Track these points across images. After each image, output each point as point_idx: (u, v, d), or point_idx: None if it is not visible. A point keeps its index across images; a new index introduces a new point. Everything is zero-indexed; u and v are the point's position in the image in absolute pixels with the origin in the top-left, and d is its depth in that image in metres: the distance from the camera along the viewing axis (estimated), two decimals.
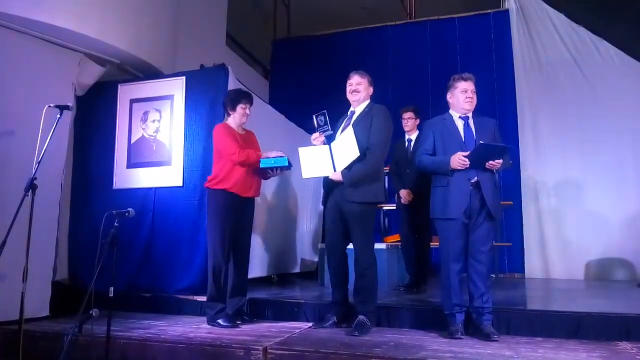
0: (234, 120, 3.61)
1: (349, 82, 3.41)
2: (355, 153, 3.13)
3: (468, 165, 2.97)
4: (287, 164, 3.43)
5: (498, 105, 6.57)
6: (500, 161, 2.96)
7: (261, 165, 3.46)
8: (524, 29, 6.71)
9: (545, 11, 6.65)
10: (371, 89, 3.43)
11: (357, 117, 3.35)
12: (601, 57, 6.30)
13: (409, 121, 4.54)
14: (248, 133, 3.72)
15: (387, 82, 7.20)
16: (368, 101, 3.40)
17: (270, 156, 3.48)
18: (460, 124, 3.15)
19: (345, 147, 3.19)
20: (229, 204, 3.42)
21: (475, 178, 3.00)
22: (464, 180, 3.01)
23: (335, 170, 3.24)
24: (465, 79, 3.16)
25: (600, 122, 6.07)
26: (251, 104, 3.65)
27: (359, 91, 3.36)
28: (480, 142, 2.95)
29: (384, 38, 7.53)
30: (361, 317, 3.16)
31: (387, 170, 4.62)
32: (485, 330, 2.94)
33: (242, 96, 3.62)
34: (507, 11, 6.87)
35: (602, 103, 6.12)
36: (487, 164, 2.96)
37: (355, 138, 3.14)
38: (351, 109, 3.43)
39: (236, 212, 3.46)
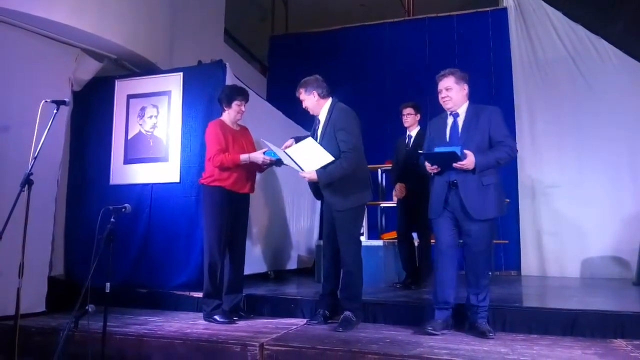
0: (228, 116, 3.60)
1: None
2: (327, 158, 3.11)
3: (436, 170, 2.99)
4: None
5: (495, 103, 6.47)
6: (464, 163, 2.85)
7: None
8: (522, 27, 6.72)
9: (543, 9, 6.65)
10: (315, 93, 3.31)
11: (322, 125, 3.33)
12: (599, 55, 6.31)
13: (409, 117, 4.54)
14: (242, 129, 3.71)
15: (385, 79, 7.23)
16: (328, 103, 3.34)
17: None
18: (450, 122, 3.12)
19: (314, 154, 3.16)
20: (224, 201, 3.42)
21: (452, 179, 2.97)
22: (441, 182, 3.03)
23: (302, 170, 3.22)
24: (439, 79, 3.13)
25: (597, 120, 6.08)
26: (246, 101, 3.63)
27: (307, 107, 3.38)
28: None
29: (382, 35, 7.52)
30: (347, 313, 3.19)
31: (389, 166, 4.61)
32: (481, 328, 2.94)
33: (238, 93, 3.60)
34: (505, 9, 6.87)
35: (599, 101, 6.13)
36: (454, 165, 2.90)
37: (319, 146, 3.13)
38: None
39: (232, 209, 3.46)
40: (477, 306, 2.98)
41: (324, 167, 3.14)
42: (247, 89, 3.82)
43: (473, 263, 2.99)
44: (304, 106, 3.40)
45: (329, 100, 3.36)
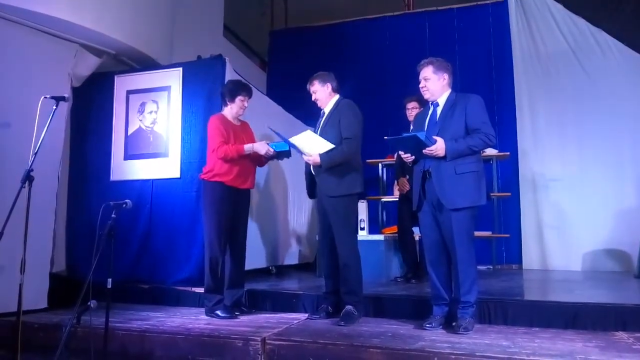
0: (230, 111, 3.59)
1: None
2: (327, 145, 3.17)
3: (410, 158, 3.01)
4: (287, 148, 3.44)
5: (496, 97, 6.57)
6: (432, 149, 2.83)
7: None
8: (523, 20, 6.68)
9: (544, 2, 6.61)
10: (329, 85, 3.40)
11: (327, 116, 3.39)
12: (600, 48, 6.27)
13: (413, 111, 4.49)
14: (243, 124, 3.71)
15: (386, 73, 7.21)
16: (335, 98, 3.42)
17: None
18: (430, 111, 3.13)
19: (314, 144, 3.22)
20: (225, 196, 3.42)
21: (427, 167, 2.96)
22: (417, 171, 3.04)
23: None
24: (418, 68, 3.10)
25: (598, 113, 6.05)
26: (250, 97, 3.64)
27: (317, 98, 3.44)
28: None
29: (382, 29, 7.48)
30: (348, 307, 3.20)
31: (390, 161, 4.59)
32: (458, 322, 2.88)
33: (242, 88, 3.61)
34: (505, 2, 6.82)
35: (600, 94, 6.09)
36: (424, 152, 2.87)
37: (318, 137, 3.21)
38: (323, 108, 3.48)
39: (232, 204, 3.46)
40: (459, 300, 2.92)
41: (327, 152, 3.19)
42: (250, 85, 3.82)
43: (455, 259, 2.92)
44: (313, 98, 3.46)
45: (337, 96, 3.45)
